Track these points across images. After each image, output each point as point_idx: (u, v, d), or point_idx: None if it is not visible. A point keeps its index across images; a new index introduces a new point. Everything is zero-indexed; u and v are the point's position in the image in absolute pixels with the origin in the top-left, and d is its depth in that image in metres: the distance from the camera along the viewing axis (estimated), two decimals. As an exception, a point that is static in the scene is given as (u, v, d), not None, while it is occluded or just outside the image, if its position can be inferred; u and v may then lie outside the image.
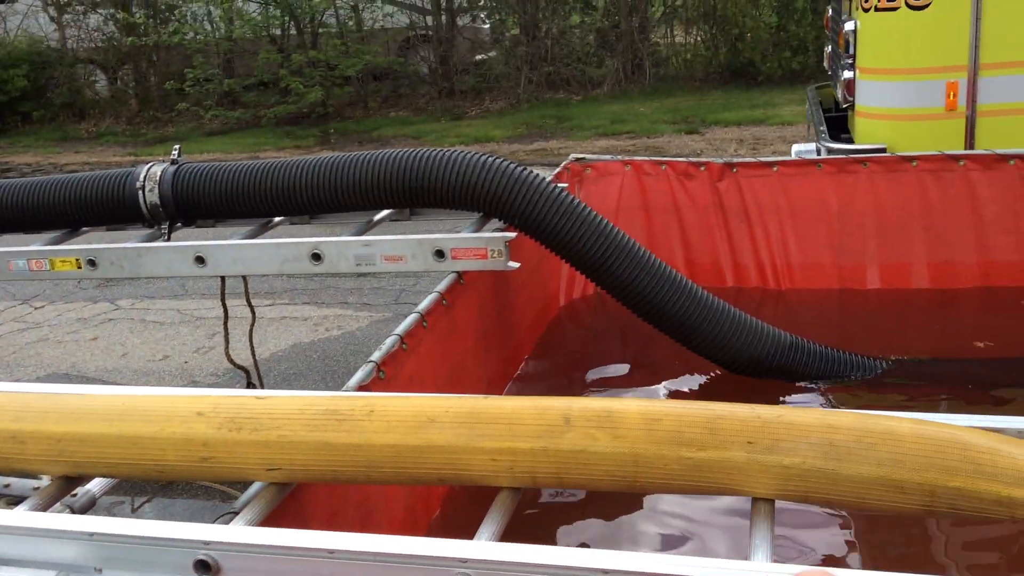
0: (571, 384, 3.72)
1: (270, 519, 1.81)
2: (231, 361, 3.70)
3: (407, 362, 2.65)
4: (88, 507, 1.98)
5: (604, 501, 2.70)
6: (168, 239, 3.48)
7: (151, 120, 16.46)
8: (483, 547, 1.50)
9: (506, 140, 12.81)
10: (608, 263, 3.14)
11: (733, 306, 3.28)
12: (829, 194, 4.22)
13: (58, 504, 1.91)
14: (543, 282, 4.20)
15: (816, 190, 4.23)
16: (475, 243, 3.10)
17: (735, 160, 4.35)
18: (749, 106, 12.98)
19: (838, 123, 5.89)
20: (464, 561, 1.45)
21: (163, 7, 16.38)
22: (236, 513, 1.78)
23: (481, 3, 16.75)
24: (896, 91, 5.14)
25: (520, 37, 15.73)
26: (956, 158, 4.11)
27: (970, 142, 4.91)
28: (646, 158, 4.51)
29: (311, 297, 6.91)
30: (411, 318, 2.78)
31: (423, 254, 3.13)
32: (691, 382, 3.54)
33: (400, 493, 2.57)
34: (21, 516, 1.71)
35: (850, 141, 5.46)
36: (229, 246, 3.28)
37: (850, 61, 5.36)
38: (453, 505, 2.81)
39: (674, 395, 3.48)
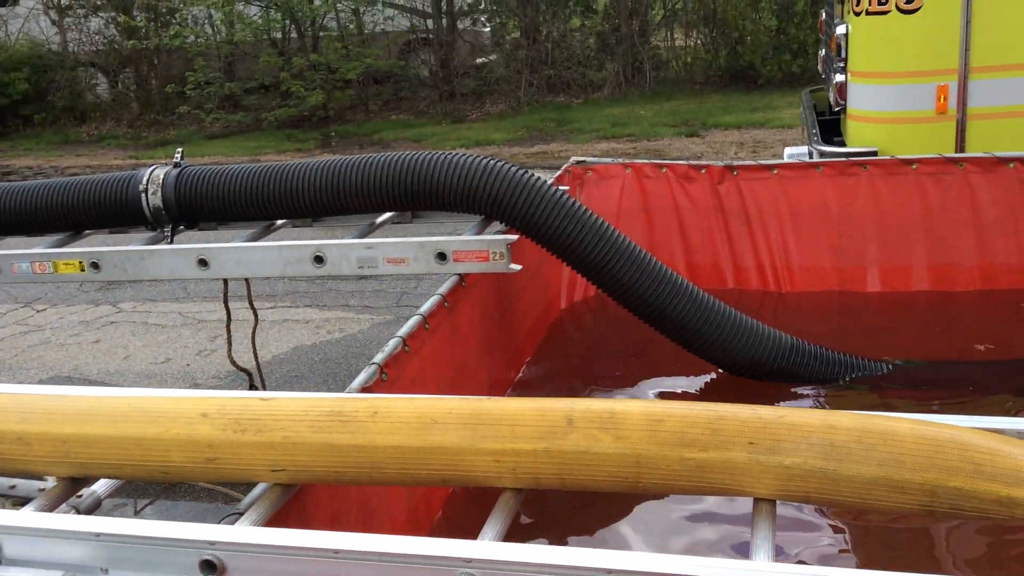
0: (572, 386, 3.73)
1: (274, 520, 1.82)
2: (234, 363, 3.71)
3: (410, 364, 2.66)
4: (93, 508, 2.00)
5: (607, 502, 2.70)
6: (171, 242, 3.49)
7: (152, 123, 16.46)
8: (487, 547, 1.51)
9: (507, 143, 12.82)
10: (609, 265, 3.15)
11: (734, 308, 3.29)
12: (829, 197, 4.23)
13: (64, 505, 1.93)
14: (544, 285, 4.21)
15: (816, 193, 4.24)
16: (477, 245, 3.11)
17: (735, 163, 4.37)
18: (749, 109, 12.98)
19: (832, 126, 5.91)
20: (468, 561, 1.46)
21: (164, 10, 16.37)
22: (241, 514, 1.79)
23: (481, 6, 16.76)
24: (887, 94, 5.17)
25: (520, 40, 15.73)
26: (956, 161, 4.12)
27: (960, 145, 4.93)
28: (647, 161, 4.52)
29: (313, 300, 6.92)
30: (413, 320, 2.80)
31: (425, 256, 3.14)
32: (692, 384, 3.55)
33: (402, 495, 2.58)
34: (28, 517, 1.72)
35: (843, 144, 5.48)
36: (232, 249, 3.29)
37: (842, 65, 5.39)
38: (455, 507, 2.82)
39: (675, 397, 3.49)
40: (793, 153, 6.03)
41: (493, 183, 3.11)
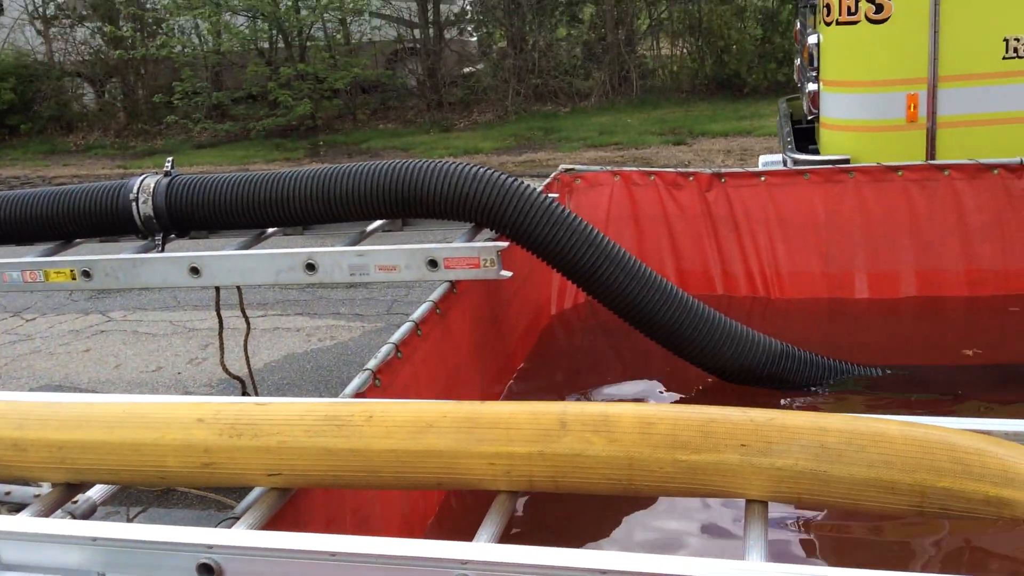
0: (564, 392, 3.74)
1: (270, 524, 1.82)
2: (226, 371, 3.71)
3: (402, 370, 2.68)
4: (89, 514, 2.00)
5: (600, 504, 2.72)
6: (162, 250, 3.49)
7: (139, 133, 16.43)
8: (483, 548, 1.52)
9: (495, 152, 12.85)
10: (599, 272, 3.17)
11: (724, 315, 3.31)
12: (816, 204, 4.26)
13: (59, 511, 1.93)
14: (535, 291, 4.22)
15: (804, 200, 4.28)
16: (468, 253, 3.12)
17: (723, 170, 4.40)
18: (736, 117, 13.05)
19: (808, 134, 5.96)
20: (464, 562, 1.47)
21: (150, 20, 16.36)
22: (237, 518, 1.80)
23: (468, 16, 16.81)
24: (858, 103, 5.23)
25: (507, 50, 15.78)
26: (941, 168, 4.17)
27: (931, 153, 5.00)
28: (635, 168, 4.55)
29: (303, 308, 6.93)
30: (406, 327, 2.81)
31: (416, 264, 3.16)
32: (683, 390, 3.57)
33: (396, 499, 2.59)
34: (25, 522, 1.72)
35: (817, 152, 5.53)
36: (224, 257, 3.30)
37: (814, 74, 5.45)
38: (449, 511, 2.83)
39: (667, 401, 3.50)
40: (767, 161, 6.09)
41: (483, 190, 3.12)
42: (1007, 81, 4.89)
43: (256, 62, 15.21)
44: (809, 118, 5.76)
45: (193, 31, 15.80)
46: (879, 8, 4.95)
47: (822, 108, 5.42)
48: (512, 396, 3.63)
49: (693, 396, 3.50)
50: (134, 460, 1.85)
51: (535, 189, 3.26)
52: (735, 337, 3.26)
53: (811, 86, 5.51)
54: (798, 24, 6.90)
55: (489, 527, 1.74)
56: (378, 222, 3.62)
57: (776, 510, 2.56)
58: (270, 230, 3.64)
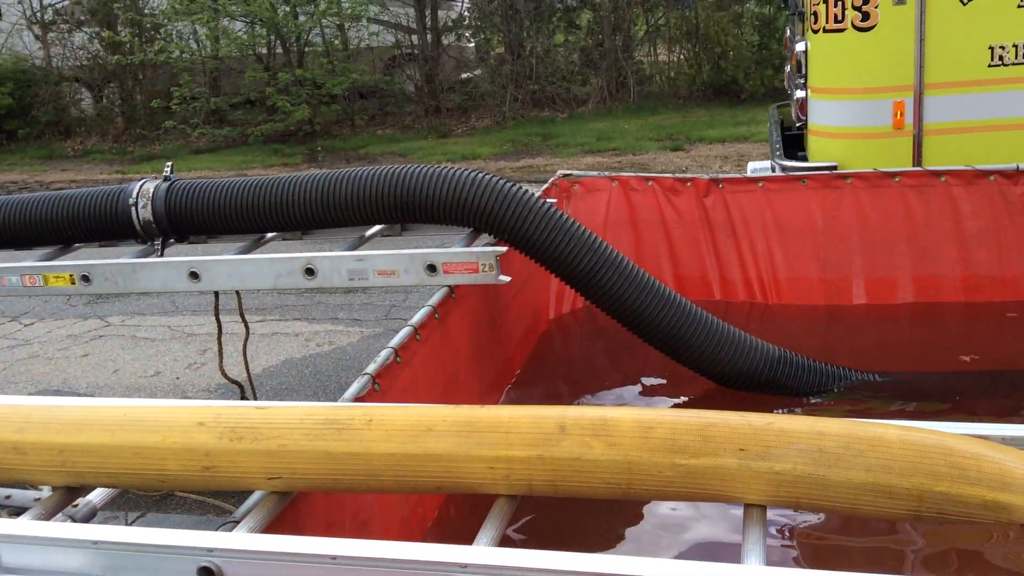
0: (562, 396, 3.75)
1: (270, 528, 1.83)
2: (225, 375, 3.71)
3: (401, 374, 2.68)
4: (89, 518, 2.00)
5: (599, 508, 2.72)
6: (161, 255, 3.50)
7: (138, 138, 16.43)
8: (483, 552, 1.53)
9: (493, 157, 12.86)
10: (597, 277, 3.18)
11: (722, 320, 3.32)
12: (814, 209, 4.28)
13: (60, 514, 1.93)
14: (533, 296, 4.23)
15: (801, 205, 4.29)
16: (466, 257, 3.13)
17: (721, 176, 4.41)
18: (733, 123, 13.07)
19: (797, 141, 5.99)
20: (464, 566, 1.47)
21: (148, 26, 16.37)
22: (237, 522, 1.80)
23: (466, 22, 16.84)
24: (846, 110, 5.26)
25: (505, 56, 15.80)
26: (938, 174, 4.18)
27: (918, 160, 5.04)
28: (633, 174, 4.56)
29: (302, 313, 6.93)
30: (405, 331, 2.82)
31: (415, 268, 3.16)
32: (681, 395, 3.57)
33: (396, 503, 2.60)
34: (25, 525, 1.73)
35: (806, 159, 5.56)
36: (223, 261, 3.30)
37: (802, 81, 5.48)
38: (448, 515, 2.83)
39: (665, 406, 3.51)
40: (756, 168, 6.12)
41: (481, 196, 3.13)
42: (993, 89, 4.94)
43: (254, 68, 15.22)
44: (798, 125, 5.79)
45: (191, 36, 15.81)
46: (865, 16, 4.99)
47: (810, 115, 5.46)
48: (511, 400, 3.64)
49: (691, 401, 3.50)
50: (135, 463, 1.85)
51: (533, 194, 3.27)
52: (733, 342, 3.27)
53: (799, 93, 5.54)
54: (788, 31, 6.93)
55: (489, 530, 1.75)
56: (377, 227, 3.63)
57: (774, 514, 2.57)
58: (269, 235, 3.65)
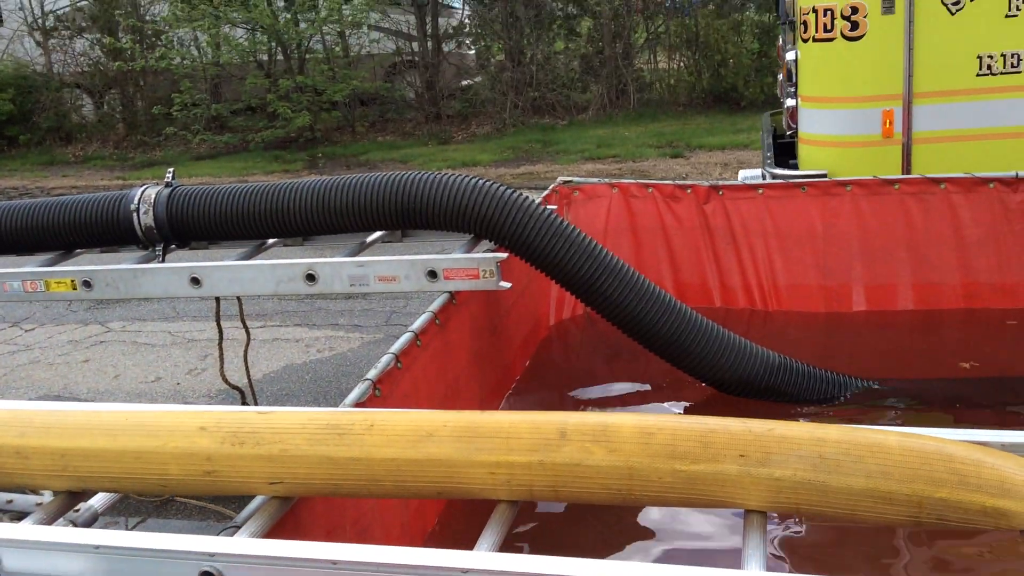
0: (562, 402, 3.75)
1: (271, 533, 1.83)
2: (226, 381, 3.72)
3: (402, 380, 2.69)
4: (91, 522, 2.01)
5: (600, 514, 2.73)
6: (163, 261, 3.50)
7: (139, 144, 16.46)
8: (484, 557, 1.53)
9: (493, 164, 12.88)
10: (597, 283, 3.18)
11: (722, 327, 3.32)
12: (814, 216, 4.28)
13: (61, 519, 1.93)
14: (533, 302, 4.24)
15: (801, 212, 4.29)
16: (467, 263, 3.13)
17: (721, 183, 4.42)
18: (733, 130, 13.09)
19: (790, 148, 6.02)
20: (465, 571, 1.47)
21: (150, 32, 16.41)
22: (239, 527, 1.80)
23: (467, 29, 16.88)
24: (835, 119, 5.29)
25: (505, 63, 15.84)
26: (937, 181, 4.19)
27: (907, 168, 5.06)
28: (633, 181, 4.56)
29: (302, 319, 6.94)
30: (405, 337, 2.82)
31: (416, 274, 3.17)
32: (681, 401, 3.58)
33: (396, 509, 2.60)
34: (27, 530, 1.73)
35: (797, 167, 5.58)
36: (225, 267, 3.30)
37: (793, 89, 5.50)
38: (448, 521, 2.83)
39: (665, 413, 3.51)
40: (747, 176, 6.14)
41: (482, 202, 3.14)
42: (981, 98, 4.97)
43: (255, 74, 15.26)
44: (788, 133, 5.82)
45: (192, 43, 15.86)
46: (854, 25, 5.01)
47: (800, 123, 5.48)
48: (511, 406, 3.64)
49: (692, 407, 3.51)
50: (136, 468, 1.86)
51: (534, 201, 3.27)
52: (733, 349, 3.27)
53: (789, 102, 5.57)
54: (780, 40, 6.96)
55: (489, 536, 1.75)
56: (378, 233, 3.63)
57: (775, 520, 2.58)
58: (270, 241, 3.65)
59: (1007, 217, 4.12)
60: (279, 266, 3.25)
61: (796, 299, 4.33)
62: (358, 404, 2.39)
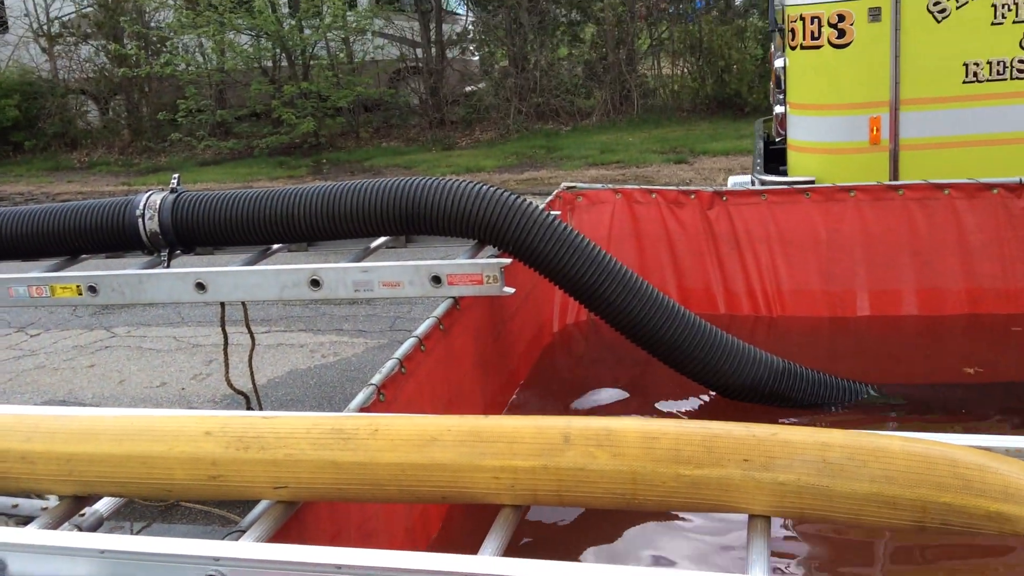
0: (566, 408, 3.75)
1: (276, 538, 1.83)
2: (231, 386, 3.72)
3: (406, 385, 2.69)
4: (96, 527, 2.01)
5: (604, 518, 2.73)
6: (168, 266, 3.51)
7: (144, 150, 16.50)
8: (488, 561, 1.53)
9: (497, 170, 12.90)
10: (601, 289, 3.18)
11: (726, 332, 3.32)
12: (817, 222, 4.28)
13: (67, 524, 1.94)
14: (537, 308, 4.24)
15: (805, 218, 4.29)
16: (471, 269, 3.14)
17: (724, 189, 4.42)
18: (737, 136, 13.09)
19: (780, 155, 6.03)
20: (469, 576, 1.48)
21: (155, 39, 16.46)
22: (243, 531, 1.81)
23: (470, 36, 16.91)
24: (823, 125, 5.32)
25: (509, 69, 15.86)
26: (941, 187, 4.19)
27: (894, 174, 5.08)
28: (637, 187, 4.57)
29: (307, 324, 6.95)
30: (409, 342, 2.82)
31: (420, 280, 3.17)
32: (685, 406, 3.58)
33: (400, 513, 2.60)
34: (33, 534, 1.73)
35: (786, 173, 5.59)
36: (229, 272, 3.31)
37: (782, 96, 5.52)
38: (452, 526, 2.83)
39: (669, 418, 3.51)
40: (737, 181, 6.16)
41: (486, 208, 3.14)
42: (967, 105, 4.99)
43: (260, 80, 15.29)
44: (778, 140, 5.83)
45: (197, 50, 15.90)
46: (841, 33, 5.04)
47: (789, 130, 5.51)
48: (515, 411, 3.64)
49: (695, 412, 3.51)
50: (142, 472, 1.86)
51: (538, 206, 3.28)
52: (737, 354, 3.27)
53: (779, 108, 5.59)
54: (772, 47, 6.99)
55: (493, 540, 1.75)
56: (382, 239, 3.64)
57: (778, 525, 2.58)
58: (275, 246, 3.66)
59: (1011, 222, 4.12)
60: (283, 272, 3.26)
61: (800, 304, 4.33)
62: (362, 409, 2.39)
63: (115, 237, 3.53)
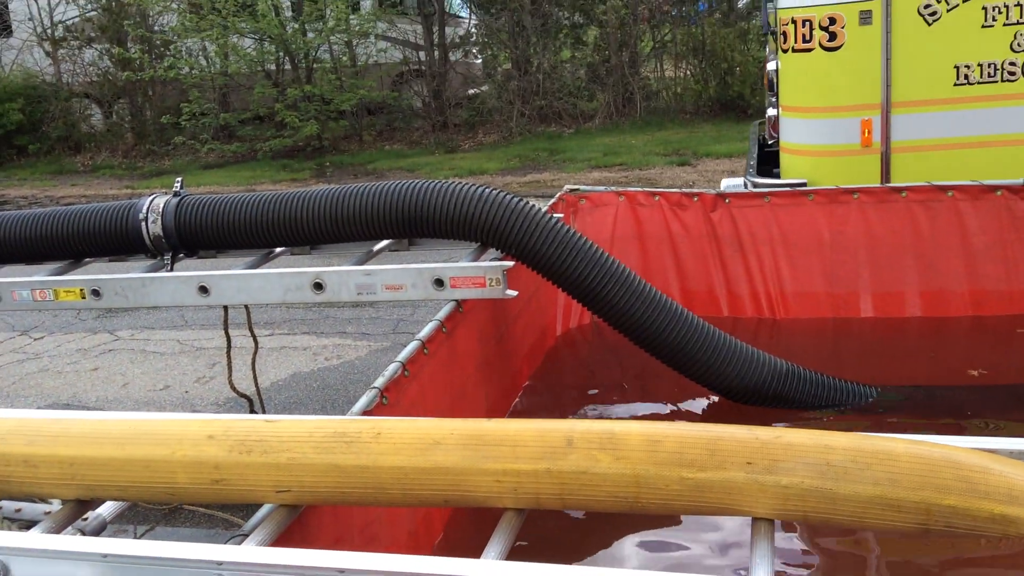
0: (569, 410, 3.75)
1: (279, 542, 1.83)
2: (234, 389, 3.73)
3: (409, 388, 2.69)
4: (99, 531, 2.01)
5: (607, 522, 2.72)
6: (171, 269, 3.51)
7: (147, 153, 16.52)
8: (491, 566, 1.53)
9: (500, 172, 12.90)
10: (604, 292, 3.18)
11: (729, 335, 3.32)
12: (821, 224, 4.28)
13: (70, 528, 1.94)
14: (540, 311, 4.24)
15: (808, 220, 4.29)
16: (474, 272, 3.14)
17: (727, 191, 4.42)
18: (740, 138, 13.08)
19: (774, 158, 6.04)
20: (472, 579, 1.48)
21: (158, 42, 16.49)
22: (246, 535, 1.81)
23: (473, 39, 16.93)
24: (815, 128, 5.33)
25: (512, 72, 15.87)
26: (944, 189, 4.18)
27: (886, 177, 5.08)
28: (640, 189, 4.56)
29: (310, 327, 6.95)
30: (412, 345, 2.82)
31: (423, 283, 3.18)
32: (689, 409, 3.57)
33: (403, 518, 2.60)
34: (36, 538, 1.73)
35: (779, 176, 5.60)
36: (233, 276, 3.32)
37: (774, 99, 5.52)
38: (455, 529, 2.83)
39: (672, 421, 3.50)
40: (730, 184, 6.17)
41: (489, 211, 3.14)
42: (958, 107, 5.00)
43: (263, 84, 15.31)
44: (770, 142, 5.84)
45: (201, 53, 15.93)
46: (832, 36, 5.05)
47: (781, 133, 5.52)
48: (518, 414, 3.64)
49: (699, 415, 3.50)
50: (145, 476, 1.86)
51: (541, 209, 3.28)
52: (740, 356, 3.27)
53: (771, 111, 5.59)
54: (766, 50, 7.00)
55: (496, 544, 1.75)
56: (385, 242, 3.64)
57: (782, 528, 2.57)
58: (278, 249, 3.66)
59: (1015, 224, 4.11)
60: (287, 275, 3.26)
61: (803, 307, 4.32)
62: (365, 412, 2.39)
63: (118, 241, 3.53)
